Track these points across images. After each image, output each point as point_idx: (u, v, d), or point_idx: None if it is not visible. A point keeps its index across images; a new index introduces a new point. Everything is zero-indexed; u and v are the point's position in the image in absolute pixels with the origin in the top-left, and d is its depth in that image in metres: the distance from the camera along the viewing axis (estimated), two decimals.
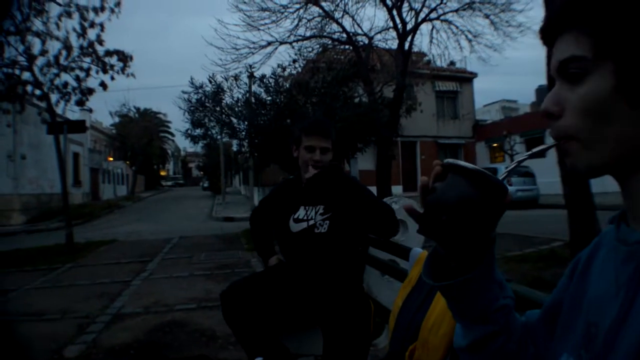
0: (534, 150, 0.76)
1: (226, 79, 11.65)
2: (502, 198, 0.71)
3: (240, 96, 11.86)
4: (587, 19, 0.63)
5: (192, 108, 11.92)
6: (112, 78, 10.73)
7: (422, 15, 12.00)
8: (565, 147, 0.67)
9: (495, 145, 27.38)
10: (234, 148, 17.88)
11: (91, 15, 10.05)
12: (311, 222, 2.44)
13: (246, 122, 11.45)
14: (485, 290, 0.81)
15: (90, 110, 15.84)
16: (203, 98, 11.76)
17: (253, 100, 11.57)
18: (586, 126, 0.64)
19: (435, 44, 14.38)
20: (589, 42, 0.63)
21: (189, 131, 12.31)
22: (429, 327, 1.57)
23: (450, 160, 0.73)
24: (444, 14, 12.32)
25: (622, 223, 0.68)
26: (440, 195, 0.71)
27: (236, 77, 11.66)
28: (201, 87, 11.71)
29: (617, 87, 0.61)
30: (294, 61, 11.97)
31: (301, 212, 2.50)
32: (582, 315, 0.71)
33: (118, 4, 10.17)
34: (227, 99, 11.84)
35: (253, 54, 12.10)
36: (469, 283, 0.79)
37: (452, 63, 19.59)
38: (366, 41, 12.76)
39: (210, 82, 11.59)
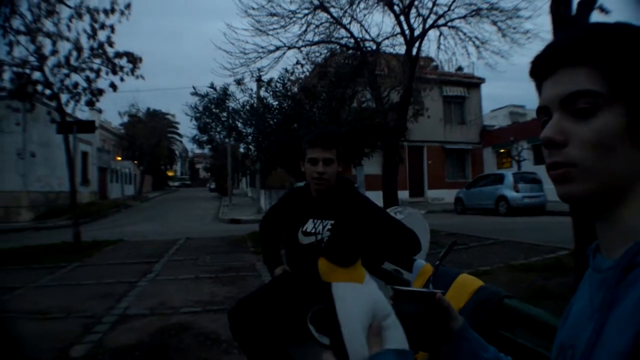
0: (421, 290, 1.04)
1: (227, 87, 11.73)
2: (432, 301, 0.93)
3: (245, 101, 11.95)
4: (604, 58, 0.67)
5: (198, 115, 12.03)
6: (122, 79, 10.83)
7: (429, 21, 11.97)
8: (563, 174, 0.71)
9: (502, 151, 27.32)
10: (242, 150, 17.98)
11: (101, 17, 10.16)
12: (319, 237, 2.43)
13: (253, 127, 11.52)
14: None
15: (100, 111, 15.97)
16: (209, 105, 11.85)
17: (260, 105, 11.63)
18: (591, 157, 0.68)
19: (442, 50, 14.31)
20: (601, 79, 0.67)
21: (196, 137, 12.43)
22: None
23: (395, 287, 0.98)
24: (452, 20, 12.29)
25: (597, 253, 0.75)
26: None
27: (239, 82, 11.71)
28: (207, 95, 11.81)
29: (628, 126, 0.66)
30: (300, 65, 12.00)
31: (309, 225, 2.48)
32: (557, 338, 0.78)
33: (128, 6, 10.27)
34: (232, 104, 11.93)
35: (261, 58, 12.09)
36: None
37: (459, 68, 19.52)
38: (374, 47, 12.77)
39: (215, 89, 11.68)
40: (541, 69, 0.75)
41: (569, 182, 0.71)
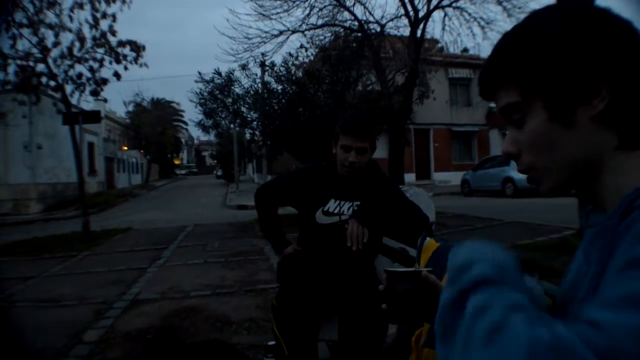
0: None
1: (232, 72, 11.70)
2: (419, 279, 1.00)
3: (249, 85, 11.91)
4: (509, 74, 0.77)
5: (202, 100, 12.02)
6: (126, 68, 10.85)
7: (434, 2, 11.93)
8: (531, 178, 0.80)
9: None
10: (247, 136, 18.03)
11: (102, 6, 10.15)
12: (344, 217, 2.39)
13: (258, 112, 11.51)
14: None
15: (105, 100, 16.02)
16: (214, 90, 11.83)
17: (264, 89, 11.61)
18: (541, 157, 0.76)
19: (447, 31, 14.28)
20: (516, 90, 0.76)
21: (202, 122, 12.43)
22: None
23: (386, 269, 1.06)
24: (456, 0, 12.23)
25: (589, 215, 0.79)
26: (384, 294, 1.05)
27: (244, 67, 11.68)
28: (212, 80, 11.78)
29: (550, 117, 0.73)
30: (305, 49, 11.94)
31: (331, 205, 2.43)
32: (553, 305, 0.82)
33: None
34: (237, 89, 11.90)
35: (265, 43, 12.13)
36: None
37: (465, 50, 19.41)
38: (378, 29, 12.72)
39: (220, 74, 11.65)
40: (483, 95, 0.85)
41: (539, 182, 0.79)
